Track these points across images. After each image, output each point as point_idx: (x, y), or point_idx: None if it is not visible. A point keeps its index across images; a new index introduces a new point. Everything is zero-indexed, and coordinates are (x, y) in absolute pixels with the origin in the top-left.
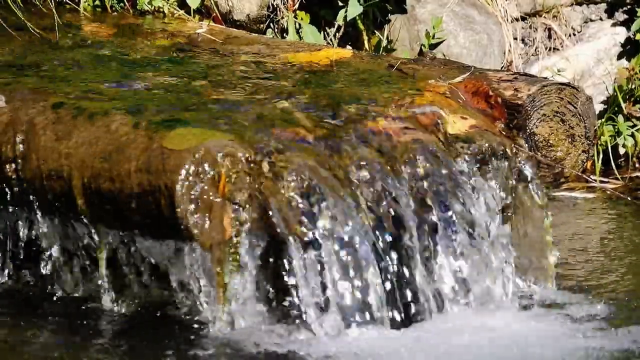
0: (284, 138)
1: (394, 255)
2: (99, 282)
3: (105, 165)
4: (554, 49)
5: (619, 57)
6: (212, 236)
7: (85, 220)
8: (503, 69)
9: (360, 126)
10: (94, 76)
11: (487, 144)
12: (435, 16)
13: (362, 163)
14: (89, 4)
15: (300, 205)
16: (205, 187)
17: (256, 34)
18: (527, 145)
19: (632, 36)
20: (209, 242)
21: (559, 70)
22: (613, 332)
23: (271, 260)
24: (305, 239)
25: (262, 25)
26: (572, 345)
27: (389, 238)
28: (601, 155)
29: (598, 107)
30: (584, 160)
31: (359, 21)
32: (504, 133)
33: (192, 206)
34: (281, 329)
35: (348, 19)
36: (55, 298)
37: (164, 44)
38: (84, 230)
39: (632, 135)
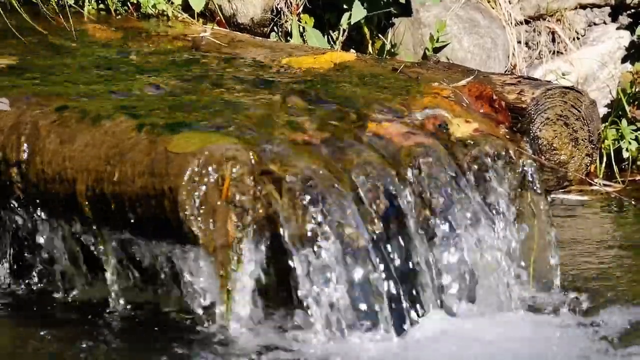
0: (287, 141)
1: (397, 258)
2: (105, 284)
3: (108, 169)
4: (557, 52)
5: (623, 60)
6: (215, 239)
7: (89, 223)
8: (507, 72)
9: (363, 130)
10: (97, 79)
11: (491, 148)
12: (439, 20)
13: (365, 167)
14: (93, 7)
15: (304, 208)
16: (209, 191)
17: (260, 38)
18: (530, 148)
19: (636, 40)
20: (213, 245)
21: (563, 74)
22: (616, 335)
23: (274, 262)
24: (309, 241)
25: (266, 29)
26: (574, 349)
27: (392, 241)
28: (604, 159)
29: (602, 111)
30: (588, 164)
31: (363, 25)
32: (507, 137)
33: (196, 209)
34: (284, 331)
35: (352, 22)
36: (59, 301)
37: (168, 48)
38: (88, 233)
39: (636, 139)
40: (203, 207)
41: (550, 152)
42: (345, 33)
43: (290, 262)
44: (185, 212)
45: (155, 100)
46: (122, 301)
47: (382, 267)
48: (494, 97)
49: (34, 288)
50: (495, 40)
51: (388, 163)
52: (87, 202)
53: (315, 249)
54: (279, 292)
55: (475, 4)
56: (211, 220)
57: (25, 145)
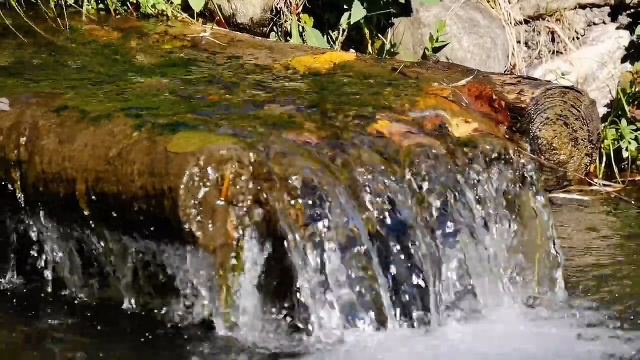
0: (287, 141)
1: (396, 258)
2: (105, 284)
3: (108, 169)
4: (557, 52)
5: (623, 60)
6: (215, 239)
7: (89, 223)
8: (507, 72)
9: (363, 129)
10: (97, 79)
11: (490, 148)
12: (439, 20)
13: (365, 166)
14: (92, 7)
15: (304, 208)
16: (209, 191)
17: (260, 38)
18: (530, 148)
19: (635, 40)
20: (213, 246)
21: (563, 74)
22: (616, 335)
23: (274, 263)
24: (309, 241)
25: (265, 29)
26: (575, 350)
27: (391, 241)
28: (604, 159)
29: (602, 111)
30: (588, 164)
31: (363, 25)
32: (507, 137)
33: (196, 209)
34: (284, 331)
35: (352, 22)
36: (59, 301)
37: (168, 48)
38: (88, 233)
39: (636, 139)
40: (203, 207)
41: (550, 152)
42: (345, 33)
43: (290, 262)
44: (185, 212)
45: (155, 100)
46: (123, 300)
47: (382, 266)
48: (494, 97)
49: (35, 288)
50: (495, 40)
51: (387, 163)
52: (86, 202)
53: (315, 248)
54: (279, 292)
55: (475, 4)
56: (211, 220)
57: (25, 145)
